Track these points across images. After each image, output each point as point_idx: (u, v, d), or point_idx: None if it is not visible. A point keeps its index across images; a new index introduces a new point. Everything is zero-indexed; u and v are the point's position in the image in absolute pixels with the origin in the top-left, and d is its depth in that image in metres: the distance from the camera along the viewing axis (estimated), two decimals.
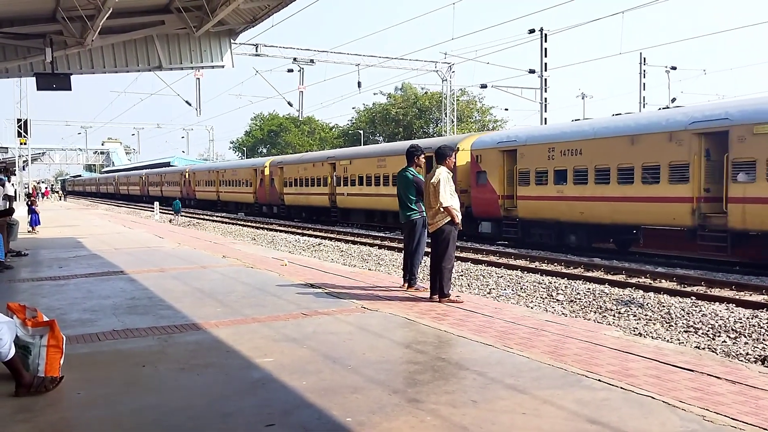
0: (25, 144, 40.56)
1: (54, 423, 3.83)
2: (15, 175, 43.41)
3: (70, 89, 15.02)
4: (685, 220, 14.64)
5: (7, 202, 12.00)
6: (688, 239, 15.11)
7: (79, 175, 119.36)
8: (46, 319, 4.71)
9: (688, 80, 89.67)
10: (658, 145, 15.11)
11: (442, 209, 7.27)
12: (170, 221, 33.35)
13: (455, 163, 7.71)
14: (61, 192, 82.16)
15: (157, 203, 38.79)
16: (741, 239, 13.88)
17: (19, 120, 37.84)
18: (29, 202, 21.89)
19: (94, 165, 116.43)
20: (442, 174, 7.32)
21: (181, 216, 36.39)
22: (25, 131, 36.48)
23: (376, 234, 23.72)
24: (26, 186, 49.24)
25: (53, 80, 14.76)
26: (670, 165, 14.87)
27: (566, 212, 17.45)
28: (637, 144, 15.67)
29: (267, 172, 37.86)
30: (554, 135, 18.43)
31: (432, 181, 7.33)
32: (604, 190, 16.44)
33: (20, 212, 21.11)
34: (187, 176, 53.28)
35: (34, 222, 20.08)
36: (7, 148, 53.07)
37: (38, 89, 14.93)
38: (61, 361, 4.54)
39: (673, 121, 15.06)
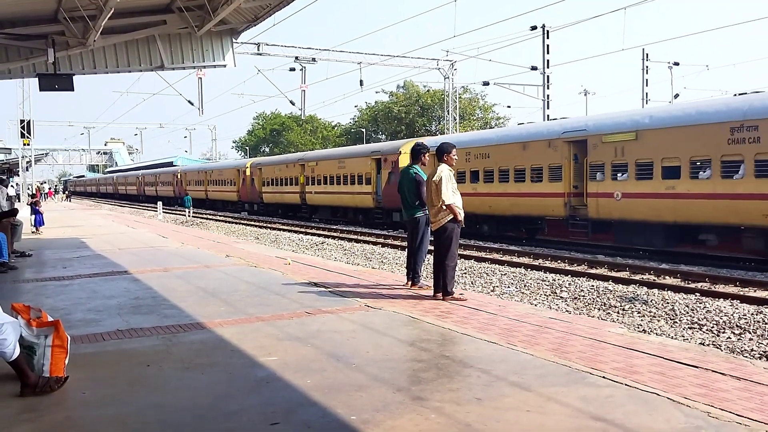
0: (28, 145, 40.76)
1: (59, 423, 3.83)
2: (18, 175, 43.50)
3: (73, 90, 15.06)
4: (560, 212, 18.06)
5: (10, 203, 12.01)
6: (565, 227, 18.29)
7: (82, 176, 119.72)
8: (50, 319, 4.72)
9: (691, 76, 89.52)
10: (541, 151, 18.48)
11: (444, 207, 7.26)
12: (185, 221, 33.39)
13: (456, 160, 7.74)
14: (66, 192, 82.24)
15: (160, 203, 38.97)
16: (599, 226, 17.26)
17: (22, 121, 38.01)
18: (32, 203, 21.92)
19: (97, 165, 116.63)
20: (444, 172, 7.31)
21: (192, 215, 37.05)
22: (28, 132, 36.60)
23: (380, 232, 23.78)
24: (29, 186, 49.34)
25: (56, 81, 14.79)
26: (550, 167, 18.20)
27: (479, 206, 20.45)
28: (527, 149, 19.03)
29: (248, 172, 40.53)
30: (471, 141, 21.93)
31: (434, 179, 7.31)
32: (506, 187, 19.81)
33: (24, 213, 21.19)
34: (179, 176, 55.52)
35: (38, 222, 20.13)
36: (10, 149, 53.11)
37: (41, 90, 14.96)
38: (66, 361, 4.55)
39: (552, 131, 18.51)
